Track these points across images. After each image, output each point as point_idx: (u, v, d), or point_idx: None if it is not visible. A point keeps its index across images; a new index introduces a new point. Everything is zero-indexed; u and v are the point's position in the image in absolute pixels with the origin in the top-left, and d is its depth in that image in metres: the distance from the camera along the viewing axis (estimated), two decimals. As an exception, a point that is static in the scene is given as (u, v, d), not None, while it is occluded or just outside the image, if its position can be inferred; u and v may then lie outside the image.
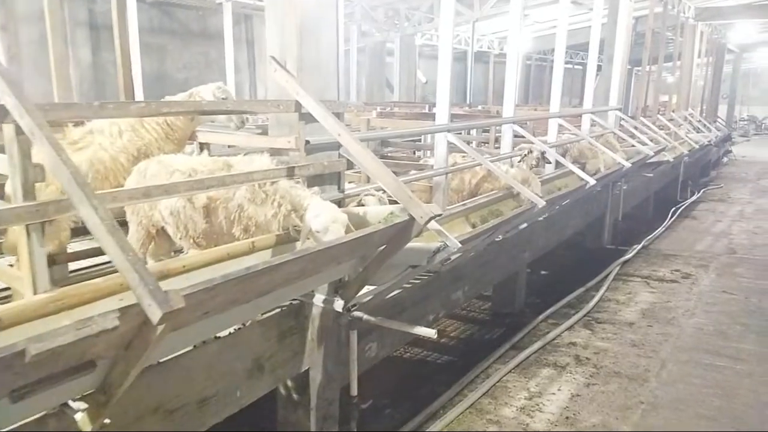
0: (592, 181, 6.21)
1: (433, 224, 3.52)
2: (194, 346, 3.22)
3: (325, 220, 3.24)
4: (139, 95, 7.71)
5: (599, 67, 10.54)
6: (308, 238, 3.37)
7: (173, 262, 2.96)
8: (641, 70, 14.86)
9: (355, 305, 4.00)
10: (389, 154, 8.07)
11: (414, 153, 9.87)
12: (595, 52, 9.38)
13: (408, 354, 6.33)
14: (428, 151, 8.79)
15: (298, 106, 3.61)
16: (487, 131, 9.10)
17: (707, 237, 11.61)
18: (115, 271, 2.28)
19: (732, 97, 28.74)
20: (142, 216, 3.72)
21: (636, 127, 10.72)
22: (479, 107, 11.53)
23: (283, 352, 3.88)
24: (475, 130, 10.31)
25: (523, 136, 7.28)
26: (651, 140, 11.13)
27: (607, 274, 8.84)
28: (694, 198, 15.46)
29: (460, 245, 3.66)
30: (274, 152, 3.92)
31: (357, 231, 2.98)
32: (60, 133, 3.90)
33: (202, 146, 4.34)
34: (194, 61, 12.32)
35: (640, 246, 10.39)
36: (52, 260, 4.49)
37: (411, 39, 16.66)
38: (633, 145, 10.16)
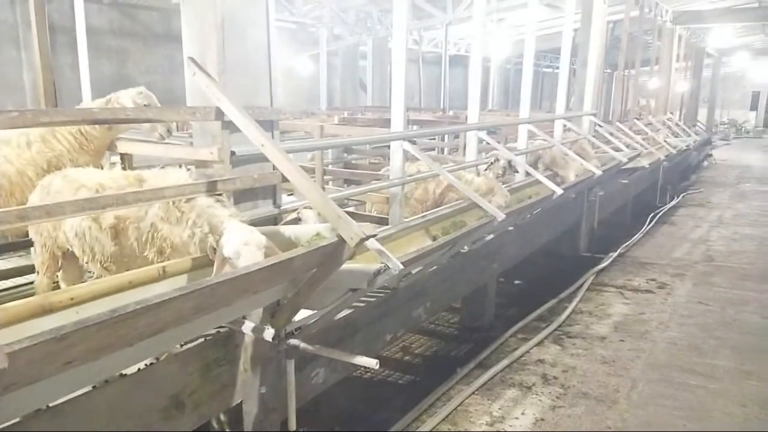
0: (559, 191, 5.91)
1: (372, 243, 3.18)
2: (93, 387, 2.83)
3: (235, 245, 2.89)
4: (86, 99, 7.29)
5: (574, 71, 10.29)
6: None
7: (57, 294, 2.58)
8: (617, 74, 14.66)
9: (296, 329, 3.64)
10: (354, 162, 7.72)
11: (387, 160, 9.55)
12: (567, 56, 9.11)
13: (368, 374, 5.96)
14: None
15: (219, 113, 3.24)
16: (458, 137, 8.78)
17: (685, 244, 11.39)
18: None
19: (712, 100, 28.81)
20: (46, 237, 3.33)
21: (611, 133, 10.48)
22: (450, 112, 11.24)
23: (209, 385, 3.49)
24: (447, 136, 9.99)
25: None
26: (627, 146, 10.91)
27: (581, 285, 8.55)
28: (673, 203, 15.28)
29: (401, 267, 3.31)
30: (200, 165, 3.56)
31: (272, 257, 2.61)
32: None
33: (124, 158, 3.96)
34: (158, 64, 11.87)
35: (615, 254, 10.12)
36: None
37: (384, 42, 16.32)
38: (606, 152, 9.93)
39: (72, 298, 2.60)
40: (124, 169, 3.88)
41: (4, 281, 4.43)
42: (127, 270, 3.28)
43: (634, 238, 11.46)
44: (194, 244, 3.12)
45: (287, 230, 3.37)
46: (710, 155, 23.95)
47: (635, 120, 14.27)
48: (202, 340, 3.41)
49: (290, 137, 7.20)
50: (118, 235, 3.17)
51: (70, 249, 3.31)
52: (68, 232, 3.23)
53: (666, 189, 15.86)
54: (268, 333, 3.40)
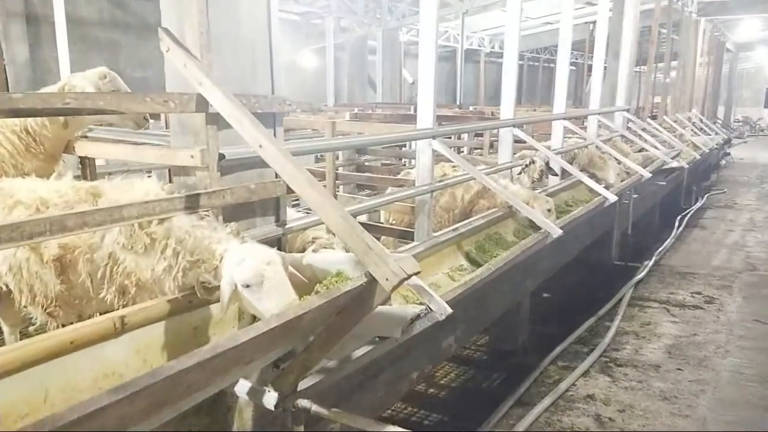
0: (612, 198, 5.04)
1: (413, 279, 2.33)
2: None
3: (255, 266, 2.09)
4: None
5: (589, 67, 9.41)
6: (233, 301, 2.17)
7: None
8: (647, 68, 13.75)
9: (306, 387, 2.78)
10: (366, 164, 6.85)
11: (401, 161, 8.66)
12: (602, 48, 8.25)
13: (388, 411, 5.10)
14: (414, 160, 7.59)
15: (202, 102, 2.39)
16: (480, 135, 7.91)
17: (722, 250, 10.49)
18: None
19: (730, 97, 27.87)
20: (-29, 270, 2.47)
21: (644, 129, 9.61)
22: (470, 108, 10.36)
23: (192, 462, 2.64)
24: (466, 134, 9.11)
25: (522, 141, 6.11)
26: (661, 143, 10.03)
27: (620, 299, 7.67)
28: (699, 204, 14.39)
29: (449, 311, 2.46)
30: (180, 171, 2.70)
31: (265, 320, 1.75)
32: None
33: (84, 162, 3.10)
34: (153, 58, 10.95)
35: (651, 262, 9.24)
36: None
37: (395, 34, 15.37)
38: (642, 150, 9.06)
39: (-23, 373, 1.75)
40: (82, 178, 3.04)
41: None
42: (80, 317, 2.44)
43: (665, 243, 10.59)
44: (173, 279, 2.27)
45: (301, 259, 2.51)
46: (728, 154, 22.99)
47: (664, 117, 13.36)
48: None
49: (295, 136, 6.34)
50: (65, 269, 2.31)
51: (4, 287, 2.46)
52: (1, 266, 2.38)
53: (691, 189, 14.99)
54: (270, 398, 2.53)
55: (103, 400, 1.26)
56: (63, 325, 2.35)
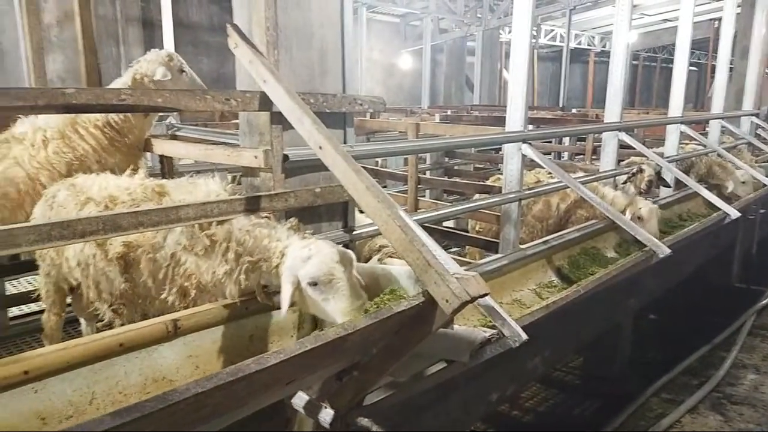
0: (734, 213, 4.41)
1: (484, 299, 2.08)
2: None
3: (323, 262, 1.95)
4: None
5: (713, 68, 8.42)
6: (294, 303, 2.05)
7: (2, 367, 1.71)
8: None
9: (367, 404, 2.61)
10: (456, 168, 6.57)
11: (496, 166, 8.28)
12: (728, 46, 7.36)
13: None
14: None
15: (265, 100, 2.28)
16: (583, 140, 7.35)
17: None
18: None
19: None
20: (50, 265, 2.55)
21: (777, 136, 8.47)
22: (573, 111, 9.71)
23: (248, 473, 2.55)
24: (568, 139, 8.55)
25: (630, 148, 5.55)
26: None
27: (740, 327, 6.79)
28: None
29: (525, 337, 2.17)
30: (248, 172, 2.63)
31: (304, 340, 1.58)
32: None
33: (163, 159, 3.14)
34: (257, 62, 11.42)
35: (780, 287, 8.13)
36: (-20, 306, 3.50)
37: (495, 34, 14.81)
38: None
39: (26, 371, 1.74)
40: (162, 176, 3.08)
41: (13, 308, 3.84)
42: (143, 317, 2.43)
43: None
44: (234, 283, 2.18)
45: (364, 268, 2.33)
46: None
47: None
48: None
49: (382, 138, 6.21)
50: (129, 268, 2.30)
51: (75, 282, 2.51)
52: (71, 260, 2.43)
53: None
54: (326, 415, 2.38)
55: (107, 423, 1.15)
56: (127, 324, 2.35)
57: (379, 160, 6.86)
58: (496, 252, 4.07)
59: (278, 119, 2.34)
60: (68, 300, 2.92)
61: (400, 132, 6.11)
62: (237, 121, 5.99)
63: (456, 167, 6.71)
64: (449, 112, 7.42)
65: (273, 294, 2.37)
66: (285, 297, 2.00)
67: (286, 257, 2.06)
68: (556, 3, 12.46)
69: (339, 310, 1.95)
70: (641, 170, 5.08)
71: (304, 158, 2.49)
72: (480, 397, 3.83)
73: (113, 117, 2.87)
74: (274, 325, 2.41)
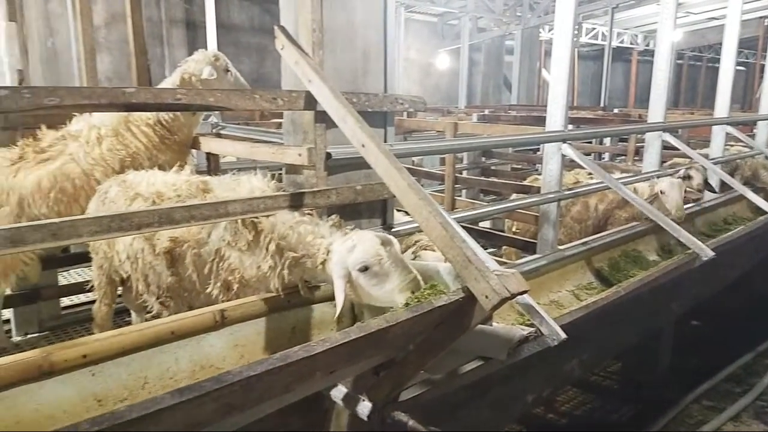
0: (785, 217, 4.26)
1: (523, 297, 2.11)
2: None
3: (369, 246, 1.99)
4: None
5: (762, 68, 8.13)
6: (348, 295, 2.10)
7: (63, 350, 1.82)
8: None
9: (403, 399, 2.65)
10: (493, 168, 6.55)
11: (533, 165, 8.20)
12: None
13: (500, 432, 4.79)
14: (546, 164, 7.12)
15: (310, 100, 2.35)
16: (625, 141, 7.21)
17: None
18: None
19: None
20: (102, 258, 2.68)
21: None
22: (615, 110, 9.53)
23: (287, 463, 2.63)
24: (609, 139, 8.39)
25: (674, 149, 5.43)
26: None
27: (788, 335, 6.56)
28: None
29: (563, 336, 2.17)
30: (291, 170, 2.70)
31: (360, 326, 1.63)
32: (30, 137, 3.01)
33: (209, 157, 3.25)
34: (296, 62, 11.60)
35: (832, 294, 7.78)
36: (37, 295, 3.68)
37: (535, 33, 14.62)
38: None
39: (85, 355, 1.85)
40: (208, 172, 3.19)
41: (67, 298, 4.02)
42: (189, 309, 2.52)
43: None
44: (277, 276, 2.25)
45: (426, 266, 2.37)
46: None
47: None
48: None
49: (419, 138, 6.24)
50: (175, 262, 2.40)
51: (125, 274, 2.63)
52: (121, 254, 2.55)
53: None
54: (364, 407, 2.42)
55: (167, 401, 1.23)
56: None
57: (415, 158, 6.89)
58: (534, 253, 4.05)
59: (322, 118, 2.41)
60: (118, 291, 3.06)
61: (437, 132, 6.11)
62: (277, 120, 6.14)
63: (493, 167, 6.68)
64: (486, 112, 7.39)
65: (314, 289, 2.44)
66: (339, 292, 2.03)
67: (332, 254, 2.11)
68: (598, 1, 12.22)
69: (394, 288, 1.98)
70: (689, 176, 4.93)
71: (346, 156, 2.55)
72: (515, 398, 3.82)
73: (163, 116, 3.00)
74: (315, 318, 2.48)
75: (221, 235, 2.30)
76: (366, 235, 2.07)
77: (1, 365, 1.75)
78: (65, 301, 3.92)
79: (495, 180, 5.42)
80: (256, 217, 2.24)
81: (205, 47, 9.93)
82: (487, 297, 1.73)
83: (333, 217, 2.29)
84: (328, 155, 2.46)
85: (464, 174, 5.90)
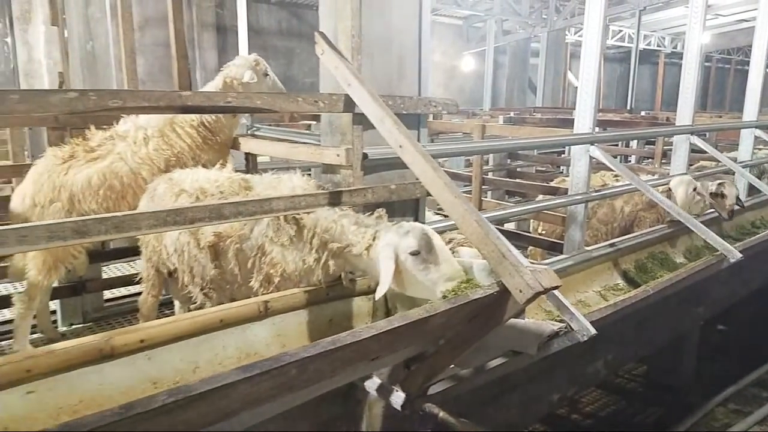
0: (812, 220, 4.25)
1: (553, 294, 2.18)
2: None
3: (423, 233, 2.09)
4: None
5: None
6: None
7: (123, 335, 1.96)
8: None
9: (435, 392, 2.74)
10: (519, 170, 6.60)
11: (557, 167, 8.23)
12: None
13: None
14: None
15: (349, 102, 2.46)
16: (652, 143, 7.20)
17: None
18: None
19: None
20: (151, 251, 2.83)
21: None
22: (641, 113, 9.49)
23: (322, 449, 2.74)
24: (635, 142, 8.38)
25: (702, 151, 5.43)
26: None
27: (817, 341, 6.46)
28: None
29: (593, 332, 2.24)
30: (328, 169, 2.82)
31: (391, 318, 1.73)
32: (78, 137, 3.18)
33: (248, 157, 3.39)
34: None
35: None
36: (83, 287, 3.86)
37: (560, 36, 14.60)
38: None
39: (142, 340, 1.98)
40: (246, 171, 3.32)
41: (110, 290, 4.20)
42: (231, 300, 2.66)
43: None
44: (321, 268, 2.35)
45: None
46: None
47: None
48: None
49: (446, 139, 6.32)
50: (218, 256, 2.54)
51: (171, 267, 2.77)
52: (169, 248, 2.69)
53: None
54: (397, 397, 2.53)
55: (232, 377, 1.34)
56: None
57: (439, 160, 6.97)
58: (560, 254, 4.11)
59: (359, 120, 2.52)
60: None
61: (463, 133, 6.20)
62: (306, 122, 6.27)
63: (518, 169, 6.74)
64: (512, 114, 7.45)
65: (353, 282, 2.55)
66: (386, 273, 2.06)
67: (379, 239, 2.20)
68: (625, 3, 12.16)
69: (441, 276, 2.05)
70: (723, 195, 4.80)
71: (381, 157, 2.66)
72: (541, 397, 3.89)
73: (206, 117, 3.14)
74: (351, 311, 2.59)
75: (263, 231, 2.42)
76: (418, 224, 2.18)
77: (65, 348, 1.89)
78: (107, 294, 4.09)
79: (523, 182, 5.48)
80: (298, 214, 2.35)
81: (235, 50, 10.17)
82: (521, 291, 1.82)
83: (379, 210, 2.38)
84: (365, 155, 2.57)
85: (489, 175, 5.97)
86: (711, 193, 4.32)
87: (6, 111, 1.67)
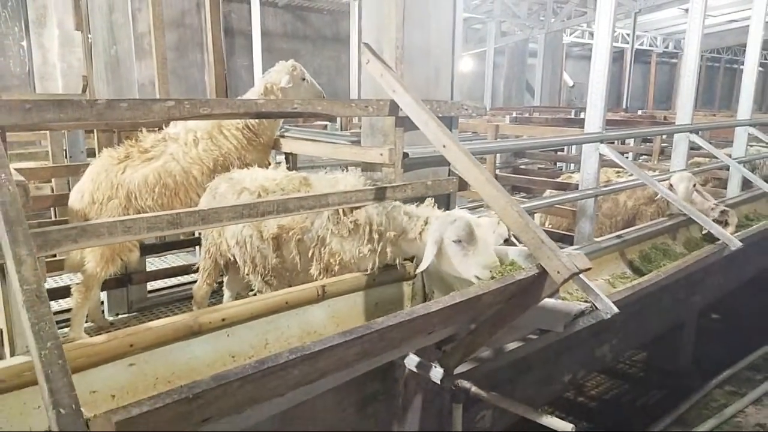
0: (803, 212, 4.57)
1: (580, 277, 2.46)
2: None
3: (468, 223, 2.38)
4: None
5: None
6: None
7: (207, 314, 2.23)
8: None
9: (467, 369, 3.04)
10: (523, 167, 6.91)
11: (555, 164, 8.56)
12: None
13: (535, 413, 5.14)
14: (573, 164, 7.47)
15: (393, 107, 2.73)
16: (649, 141, 7.53)
17: None
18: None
19: None
20: (210, 243, 3.10)
21: None
22: (639, 112, 9.81)
23: (365, 423, 3.02)
24: (632, 140, 8.72)
25: (698, 148, 5.75)
26: None
27: (808, 328, 6.82)
28: None
29: (616, 310, 2.53)
30: (367, 167, 3.10)
31: (452, 294, 2.01)
32: (131, 139, 3.44)
33: (288, 157, 3.65)
34: (325, 66, 12.06)
35: None
36: (129, 279, 4.11)
37: (557, 37, 14.95)
38: None
39: (223, 319, 2.25)
40: (289, 170, 3.58)
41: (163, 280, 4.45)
42: (289, 286, 2.93)
43: None
44: (378, 255, 2.63)
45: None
46: None
47: None
48: (360, 371, 2.95)
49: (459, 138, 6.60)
50: (280, 246, 2.80)
51: (232, 258, 3.04)
52: (230, 240, 2.96)
53: None
54: (436, 373, 2.82)
55: (284, 356, 1.60)
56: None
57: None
58: (569, 245, 4.41)
59: (401, 123, 2.79)
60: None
61: (473, 133, 6.49)
62: (320, 122, 6.52)
63: (522, 166, 7.04)
64: (515, 114, 7.75)
65: (402, 267, 2.83)
66: (429, 253, 2.38)
67: (430, 224, 2.50)
68: (621, 6, 12.53)
69: (479, 262, 2.34)
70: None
71: (418, 156, 2.94)
72: (554, 377, 4.19)
73: (251, 121, 3.40)
74: (395, 295, 2.87)
75: (324, 224, 2.69)
76: (466, 215, 2.47)
77: (162, 325, 2.15)
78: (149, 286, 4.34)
79: (533, 178, 5.78)
80: (355, 208, 2.63)
81: (243, 52, 10.38)
82: (558, 272, 2.10)
83: (428, 200, 2.68)
84: (405, 154, 2.85)
85: (498, 172, 6.26)
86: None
87: (117, 117, 1.93)
